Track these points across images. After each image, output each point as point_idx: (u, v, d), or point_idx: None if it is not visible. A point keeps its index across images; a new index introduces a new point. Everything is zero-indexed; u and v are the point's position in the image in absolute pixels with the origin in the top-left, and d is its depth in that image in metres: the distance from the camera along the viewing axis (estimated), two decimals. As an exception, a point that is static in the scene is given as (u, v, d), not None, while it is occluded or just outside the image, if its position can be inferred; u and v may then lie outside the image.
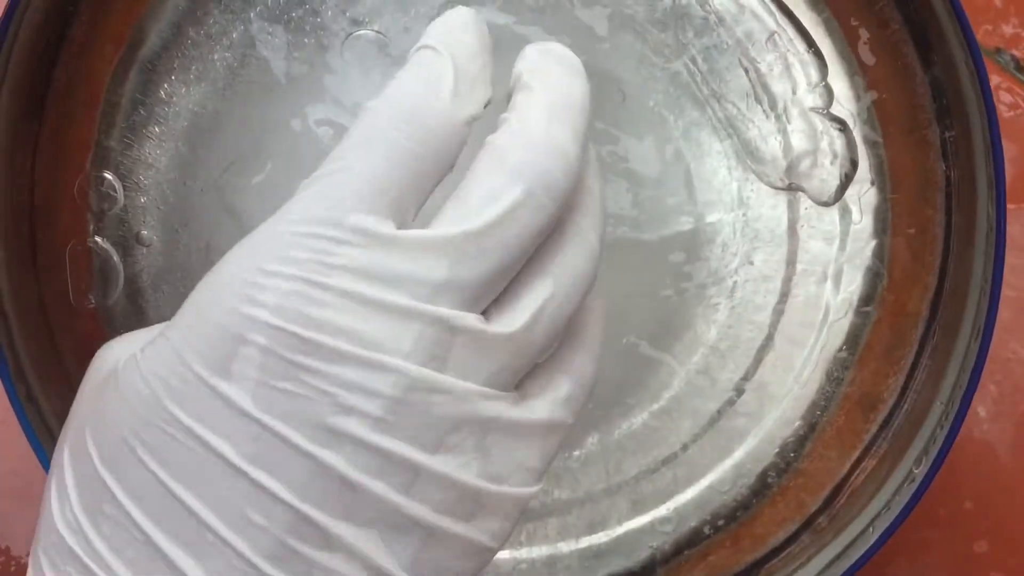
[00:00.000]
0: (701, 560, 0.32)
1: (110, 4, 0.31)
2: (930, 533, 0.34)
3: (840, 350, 0.32)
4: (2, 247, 0.29)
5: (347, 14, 0.32)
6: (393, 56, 0.32)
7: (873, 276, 0.32)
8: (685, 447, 0.32)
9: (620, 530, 0.32)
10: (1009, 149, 0.40)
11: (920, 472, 0.29)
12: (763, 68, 0.32)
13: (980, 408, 0.36)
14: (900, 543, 0.34)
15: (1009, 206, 0.39)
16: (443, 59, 0.20)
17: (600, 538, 0.32)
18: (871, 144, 0.32)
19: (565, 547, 0.32)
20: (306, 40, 0.32)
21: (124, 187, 0.32)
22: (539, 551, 0.32)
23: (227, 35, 0.32)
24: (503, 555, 0.32)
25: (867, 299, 0.32)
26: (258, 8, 0.32)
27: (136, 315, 0.32)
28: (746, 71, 0.32)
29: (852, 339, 0.32)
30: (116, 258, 0.32)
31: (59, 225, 0.31)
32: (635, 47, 0.32)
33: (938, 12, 0.29)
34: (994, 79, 0.40)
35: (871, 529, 0.29)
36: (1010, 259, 0.38)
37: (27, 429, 0.28)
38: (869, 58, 0.32)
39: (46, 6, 0.29)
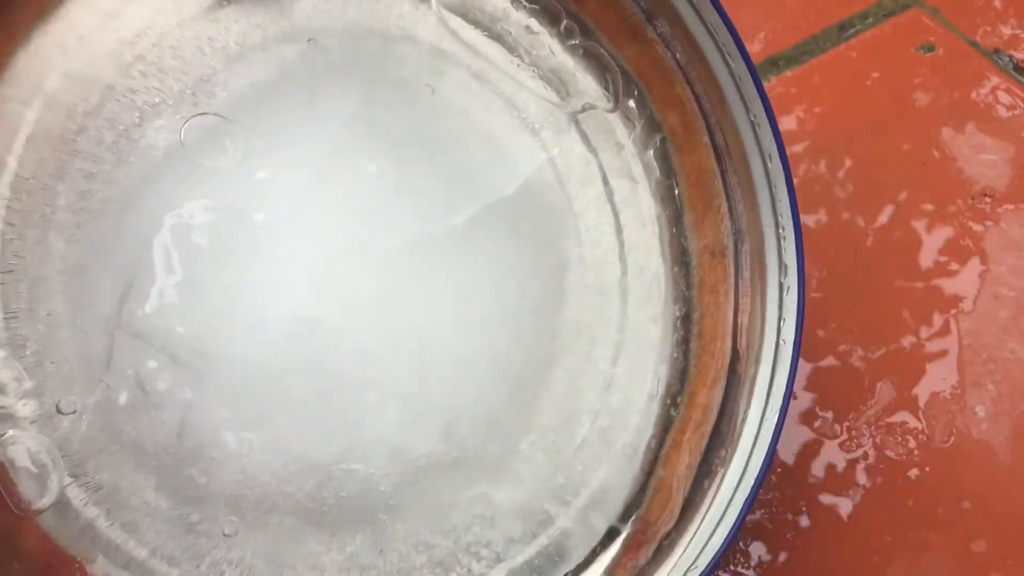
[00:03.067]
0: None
1: None
2: (929, 533, 0.34)
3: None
4: None
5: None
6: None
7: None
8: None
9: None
10: (1007, 149, 0.40)
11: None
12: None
13: (979, 408, 0.36)
14: (899, 543, 0.34)
15: (1007, 206, 0.39)
16: None
17: None
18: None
19: None
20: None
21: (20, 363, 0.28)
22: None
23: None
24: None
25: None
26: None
27: (90, 498, 0.29)
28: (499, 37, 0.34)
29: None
30: (34, 442, 0.28)
31: None
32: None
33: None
34: (993, 80, 0.41)
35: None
36: (1010, 259, 0.38)
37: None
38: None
39: None
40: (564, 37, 0.34)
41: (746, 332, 0.34)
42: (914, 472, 0.35)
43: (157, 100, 0.30)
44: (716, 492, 0.32)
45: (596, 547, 0.32)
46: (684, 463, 0.33)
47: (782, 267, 0.33)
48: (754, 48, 0.44)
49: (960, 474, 0.35)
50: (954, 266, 0.38)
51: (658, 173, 0.35)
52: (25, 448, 0.28)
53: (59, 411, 0.28)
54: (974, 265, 0.38)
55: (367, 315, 0.31)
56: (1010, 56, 0.39)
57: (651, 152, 0.35)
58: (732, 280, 0.34)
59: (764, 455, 0.31)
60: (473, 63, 0.33)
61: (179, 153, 0.30)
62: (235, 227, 0.30)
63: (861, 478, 0.35)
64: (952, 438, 0.35)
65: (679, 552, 0.31)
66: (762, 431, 0.31)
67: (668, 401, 0.34)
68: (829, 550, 0.34)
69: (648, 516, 0.33)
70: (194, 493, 0.29)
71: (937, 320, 0.37)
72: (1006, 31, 0.39)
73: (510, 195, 0.33)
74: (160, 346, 0.29)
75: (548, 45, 0.34)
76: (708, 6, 0.31)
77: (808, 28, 0.44)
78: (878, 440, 0.35)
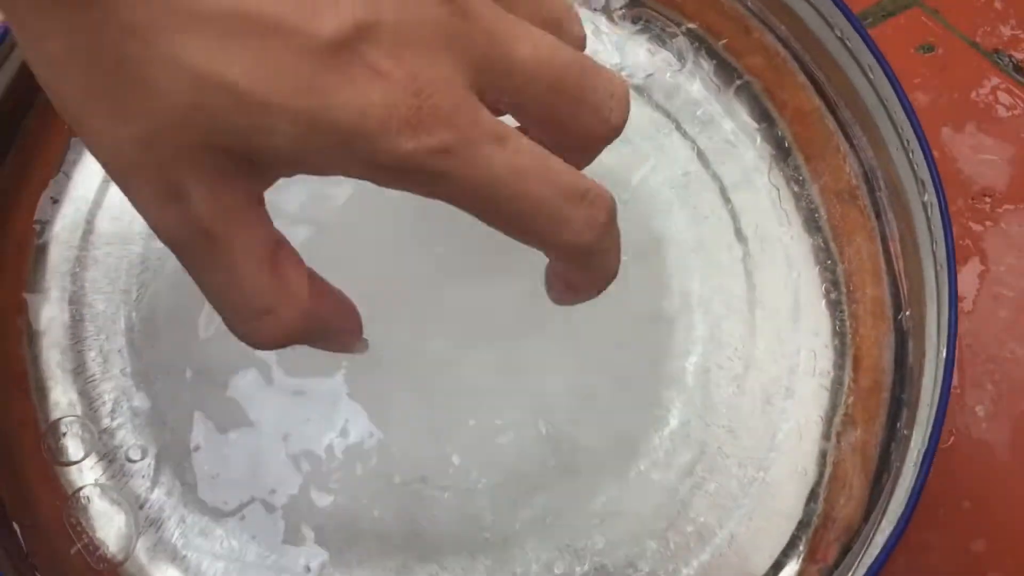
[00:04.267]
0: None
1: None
2: (928, 533, 0.34)
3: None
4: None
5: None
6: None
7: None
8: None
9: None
10: (1007, 150, 0.40)
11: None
12: None
13: (978, 408, 0.36)
14: (899, 543, 0.34)
15: (1007, 206, 0.39)
16: None
17: None
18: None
19: None
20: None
21: (91, 421, 0.29)
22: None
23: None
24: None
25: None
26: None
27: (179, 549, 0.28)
28: None
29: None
30: (109, 495, 0.28)
31: (47, 531, 0.28)
32: None
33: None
34: (992, 80, 0.41)
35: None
36: (1009, 259, 0.38)
37: None
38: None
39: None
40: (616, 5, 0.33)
41: (904, 277, 0.31)
42: (914, 472, 0.35)
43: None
44: (902, 464, 0.28)
45: (778, 553, 0.29)
46: (860, 440, 0.30)
47: (919, 185, 0.30)
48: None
49: (960, 474, 0.35)
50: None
51: (755, 123, 0.33)
52: (100, 501, 0.28)
53: (128, 459, 0.28)
54: (974, 265, 0.38)
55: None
56: (1010, 56, 0.39)
57: (739, 103, 0.33)
58: (873, 222, 0.32)
59: (938, 410, 0.27)
60: None
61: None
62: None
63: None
64: (952, 438, 0.35)
65: (867, 543, 0.29)
66: (939, 383, 0.28)
67: (831, 373, 0.31)
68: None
69: (828, 509, 0.30)
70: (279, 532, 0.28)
71: (937, 320, 0.37)
72: (1006, 31, 0.39)
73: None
74: (223, 383, 0.29)
75: (601, 18, 0.33)
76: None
77: (808, 28, 0.44)
78: (878, 440, 0.35)
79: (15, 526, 0.27)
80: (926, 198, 0.30)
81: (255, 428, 0.29)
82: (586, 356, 0.30)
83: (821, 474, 0.30)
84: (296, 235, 0.24)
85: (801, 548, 0.29)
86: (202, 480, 0.28)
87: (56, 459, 0.28)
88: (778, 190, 0.32)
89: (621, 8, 0.33)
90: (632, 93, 0.31)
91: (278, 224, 0.19)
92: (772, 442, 0.30)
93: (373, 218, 0.30)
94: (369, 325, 0.22)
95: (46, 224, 0.30)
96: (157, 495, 0.28)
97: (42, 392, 0.29)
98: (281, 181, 0.19)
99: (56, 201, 0.31)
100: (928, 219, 0.30)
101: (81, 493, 0.28)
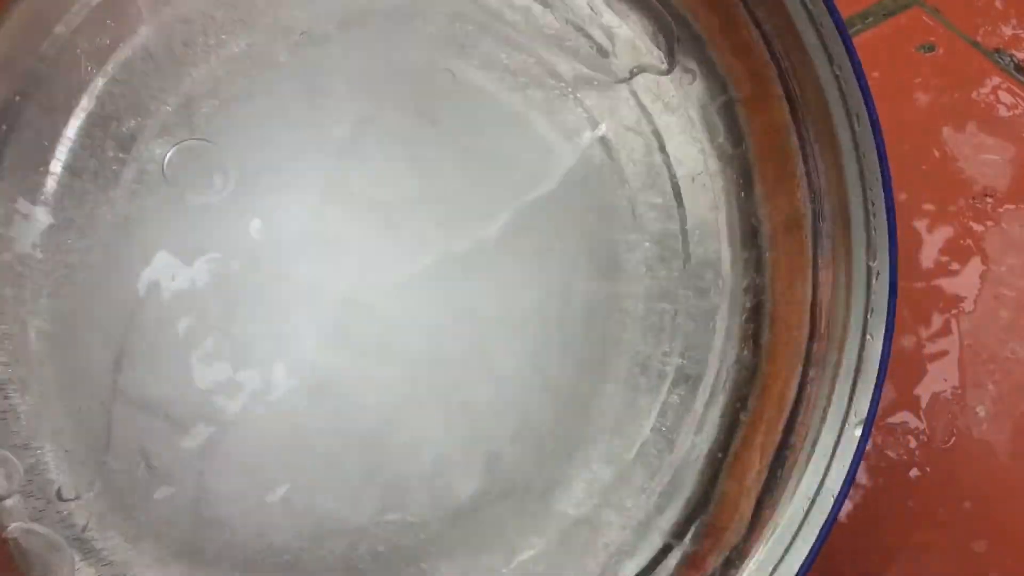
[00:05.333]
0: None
1: None
2: (929, 533, 0.34)
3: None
4: None
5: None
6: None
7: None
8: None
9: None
10: (1008, 149, 0.40)
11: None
12: None
13: (979, 408, 0.36)
14: (900, 543, 0.34)
15: (1008, 206, 0.39)
16: None
17: None
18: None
19: None
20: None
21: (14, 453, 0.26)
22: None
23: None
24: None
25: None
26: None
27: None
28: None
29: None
30: (45, 532, 0.26)
31: None
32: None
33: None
34: (993, 79, 0.41)
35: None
36: (1010, 259, 0.38)
37: None
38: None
39: None
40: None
41: (825, 312, 0.29)
42: (914, 472, 0.35)
43: (132, 123, 0.26)
44: (791, 500, 0.28)
45: (653, 561, 0.29)
46: (755, 468, 0.29)
47: (871, 247, 0.28)
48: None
49: (960, 474, 0.35)
50: (955, 266, 0.38)
51: (723, 135, 0.30)
52: (31, 537, 0.26)
53: (60, 498, 0.26)
54: (975, 265, 0.38)
55: (392, 356, 0.28)
56: (1011, 56, 0.39)
57: (714, 112, 0.30)
58: (810, 253, 0.29)
59: (848, 463, 0.27)
60: (499, 31, 0.29)
61: (161, 189, 0.26)
62: (231, 272, 0.27)
63: (862, 478, 0.35)
64: (953, 438, 0.35)
65: (750, 567, 0.28)
66: (844, 435, 0.28)
67: (736, 400, 0.30)
68: (830, 550, 0.34)
69: (714, 526, 0.29)
70: (213, 564, 0.27)
71: (938, 320, 0.37)
72: (1007, 31, 0.39)
73: (552, 189, 0.29)
74: (163, 414, 0.26)
75: (588, 2, 0.30)
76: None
77: (809, 28, 0.44)
78: (879, 440, 0.35)
79: None
80: (874, 263, 0.29)
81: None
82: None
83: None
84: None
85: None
86: (140, 515, 0.27)
87: None
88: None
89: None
90: (613, 87, 0.30)
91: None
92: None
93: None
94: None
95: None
96: (88, 525, 0.27)
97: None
98: None
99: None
100: (869, 285, 0.29)
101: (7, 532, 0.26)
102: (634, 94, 0.30)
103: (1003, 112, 0.40)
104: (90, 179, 0.26)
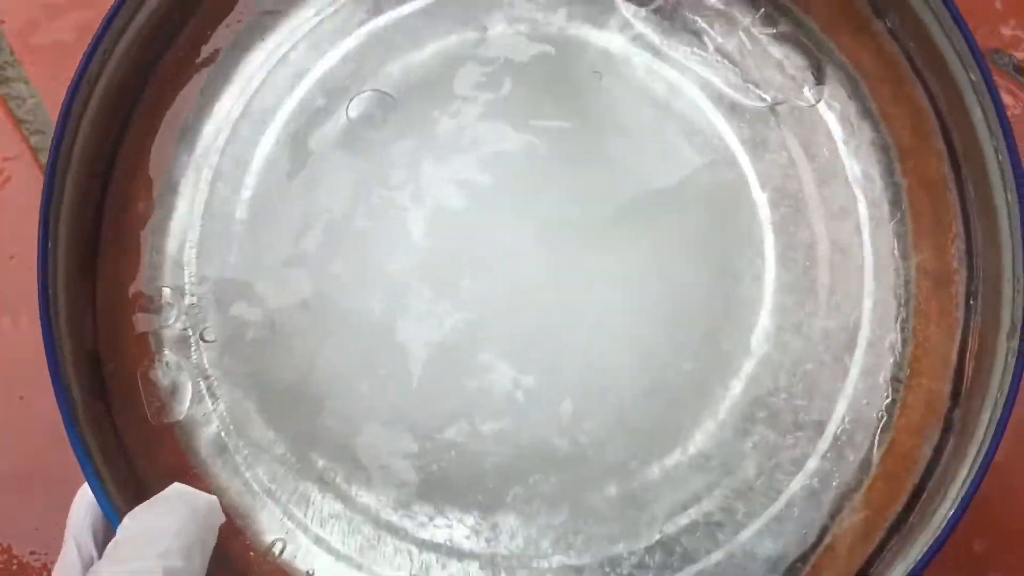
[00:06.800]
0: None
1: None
2: (929, 533, 0.34)
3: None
4: (77, 388, 0.29)
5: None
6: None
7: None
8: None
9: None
10: (1008, 150, 0.40)
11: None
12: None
13: (979, 408, 0.36)
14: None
15: (1008, 206, 0.39)
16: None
17: None
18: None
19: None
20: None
21: (182, 293, 0.32)
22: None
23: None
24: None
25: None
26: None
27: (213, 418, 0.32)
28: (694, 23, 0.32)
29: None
30: (181, 363, 0.32)
31: (125, 354, 0.32)
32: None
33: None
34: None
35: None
36: (1008, 259, 0.38)
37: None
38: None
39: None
40: (763, 24, 0.32)
41: (970, 378, 0.30)
42: (914, 472, 0.35)
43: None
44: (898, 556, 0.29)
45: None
46: (861, 519, 0.30)
47: (1014, 325, 0.27)
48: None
49: (961, 474, 0.35)
50: (954, 266, 0.38)
51: (877, 180, 0.31)
52: (170, 368, 0.32)
53: (203, 339, 0.32)
54: (975, 265, 0.38)
55: (511, 307, 0.32)
56: (1010, 57, 0.39)
57: (866, 155, 0.31)
58: (960, 314, 0.30)
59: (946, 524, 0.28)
60: (648, 50, 0.32)
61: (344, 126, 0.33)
62: (390, 213, 0.32)
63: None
64: (952, 438, 0.35)
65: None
66: (961, 497, 0.28)
67: (863, 442, 0.31)
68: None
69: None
70: (313, 439, 0.31)
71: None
72: (1006, 31, 0.39)
73: (671, 186, 0.32)
74: (303, 293, 0.32)
75: (742, 34, 0.32)
76: (942, 4, 0.29)
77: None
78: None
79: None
80: (1011, 342, 0.28)
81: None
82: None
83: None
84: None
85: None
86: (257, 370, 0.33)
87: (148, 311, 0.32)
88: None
89: (773, 30, 0.33)
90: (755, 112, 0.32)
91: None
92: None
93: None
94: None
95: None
96: (216, 370, 0.32)
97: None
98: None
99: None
100: (1006, 361, 0.28)
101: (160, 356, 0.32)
102: (778, 126, 0.32)
103: (1002, 112, 0.40)
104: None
